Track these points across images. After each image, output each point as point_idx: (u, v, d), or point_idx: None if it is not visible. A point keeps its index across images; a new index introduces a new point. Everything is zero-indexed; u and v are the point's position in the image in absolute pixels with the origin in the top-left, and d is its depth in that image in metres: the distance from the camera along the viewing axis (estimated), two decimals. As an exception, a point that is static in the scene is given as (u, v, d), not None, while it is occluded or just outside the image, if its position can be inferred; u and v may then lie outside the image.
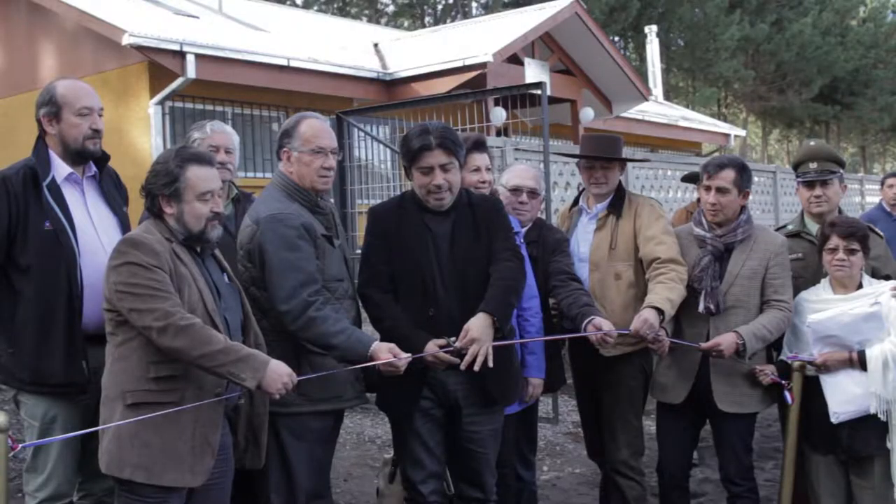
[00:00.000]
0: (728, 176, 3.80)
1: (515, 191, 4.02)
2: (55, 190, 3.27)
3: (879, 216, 6.65)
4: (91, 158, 3.40)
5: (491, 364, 3.16)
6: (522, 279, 3.47)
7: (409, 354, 3.12)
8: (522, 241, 3.87)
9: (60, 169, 3.32)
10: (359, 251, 6.49)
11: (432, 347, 3.19)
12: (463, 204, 3.45)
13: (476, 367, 3.14)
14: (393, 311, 3.34)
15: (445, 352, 3.18)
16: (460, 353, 3.17)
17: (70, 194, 3.32)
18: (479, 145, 3.95)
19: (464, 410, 3.40)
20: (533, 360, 3.87)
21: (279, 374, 2.81)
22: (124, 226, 3.44)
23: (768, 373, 3.76)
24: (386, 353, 3.08)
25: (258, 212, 3.28)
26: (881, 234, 4.10)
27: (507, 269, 3.36)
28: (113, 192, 3.51)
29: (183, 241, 2.94)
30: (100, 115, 3.39)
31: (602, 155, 4.01)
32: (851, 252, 3.68)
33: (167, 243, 2.88)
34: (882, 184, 7.09)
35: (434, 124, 3.40)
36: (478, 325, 3.18)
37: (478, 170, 3.89)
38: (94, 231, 3.32)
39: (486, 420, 3.44)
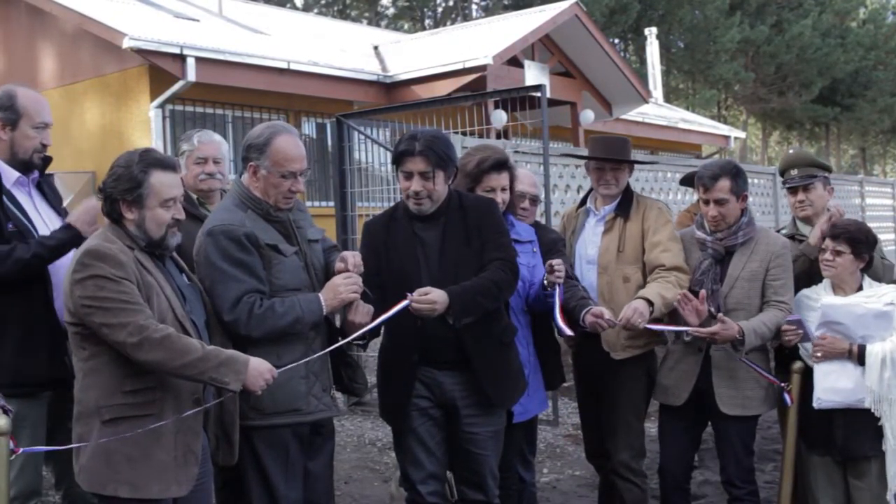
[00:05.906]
0: (724, 186, 3.80)
1: (519, 197, 4.00)
2: (7, 193, 3.30)
3: None
4: (33, 170, 3.43)
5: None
6: (506, 287, 3.42)
7: (370, 307, 3.16)
8: (535, 249, 3.83)
9: (8, 173, 3.35)
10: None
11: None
12: (454, 208, 3.43)
13: (414, 309, 3.16)
14: None
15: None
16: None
17: (21, 197, 3.36)
18: (498, 166, 3.79)
19: (462, 411, 3.38)
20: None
21: (260, 371, 2.79)
22: None
23: (796, 329, 3.71)
24: (341, 284, 3.11)
25: (206, 224, 3.18)
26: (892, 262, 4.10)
27: (493, 271, 3.33)
28: (52, 195, 3.55)
29: (143, 248, 2.84)
30: (48, 130, 3.45)
31: (613, 157, 4.01)
32: (838, 253, 3.73)
33: (129, 251, 2.77)
34: None
35: (425, 132, 3.38)
36: (439, 293, 3.18)
37: (492, 191, 3.75)
38: (49, 231, 3.33)
39: (486, 421, 3.42)
